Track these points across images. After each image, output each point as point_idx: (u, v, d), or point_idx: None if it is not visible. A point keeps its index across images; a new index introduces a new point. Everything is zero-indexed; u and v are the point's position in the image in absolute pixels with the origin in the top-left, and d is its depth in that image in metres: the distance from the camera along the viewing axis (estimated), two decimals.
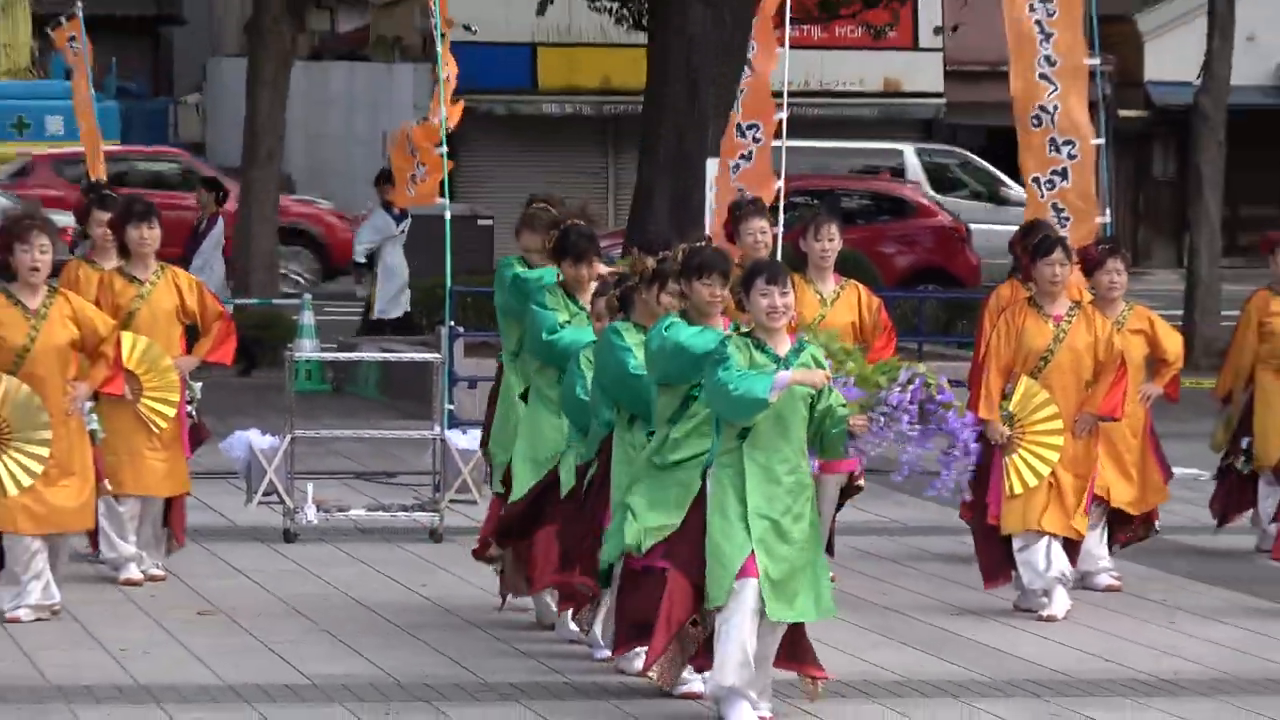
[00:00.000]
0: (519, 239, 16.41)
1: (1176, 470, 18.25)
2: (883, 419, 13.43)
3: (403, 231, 29.26)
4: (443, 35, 21.18)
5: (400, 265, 29.38)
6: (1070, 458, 15.83)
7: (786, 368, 12.33)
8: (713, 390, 12.40)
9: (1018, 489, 15.87)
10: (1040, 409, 15.71)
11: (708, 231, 20.26)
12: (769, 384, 12.06)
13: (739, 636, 12.37)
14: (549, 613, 15.08)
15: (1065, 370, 15.77)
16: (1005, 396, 15.75)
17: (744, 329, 12.71)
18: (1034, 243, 16.31)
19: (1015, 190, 41.02)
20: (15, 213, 16.64)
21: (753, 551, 12.41)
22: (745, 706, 12.38)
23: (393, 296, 29.42)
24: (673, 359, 12.92)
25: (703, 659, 12.98)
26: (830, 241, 16.87)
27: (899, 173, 43.16)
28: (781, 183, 19.72)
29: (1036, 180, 19.32)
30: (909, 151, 44.79)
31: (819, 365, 12.68)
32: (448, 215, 19.29)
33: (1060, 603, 15.73)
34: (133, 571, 16.05)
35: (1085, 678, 14.10)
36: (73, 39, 21.30)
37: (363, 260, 30.20)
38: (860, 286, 17.16)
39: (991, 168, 44.76)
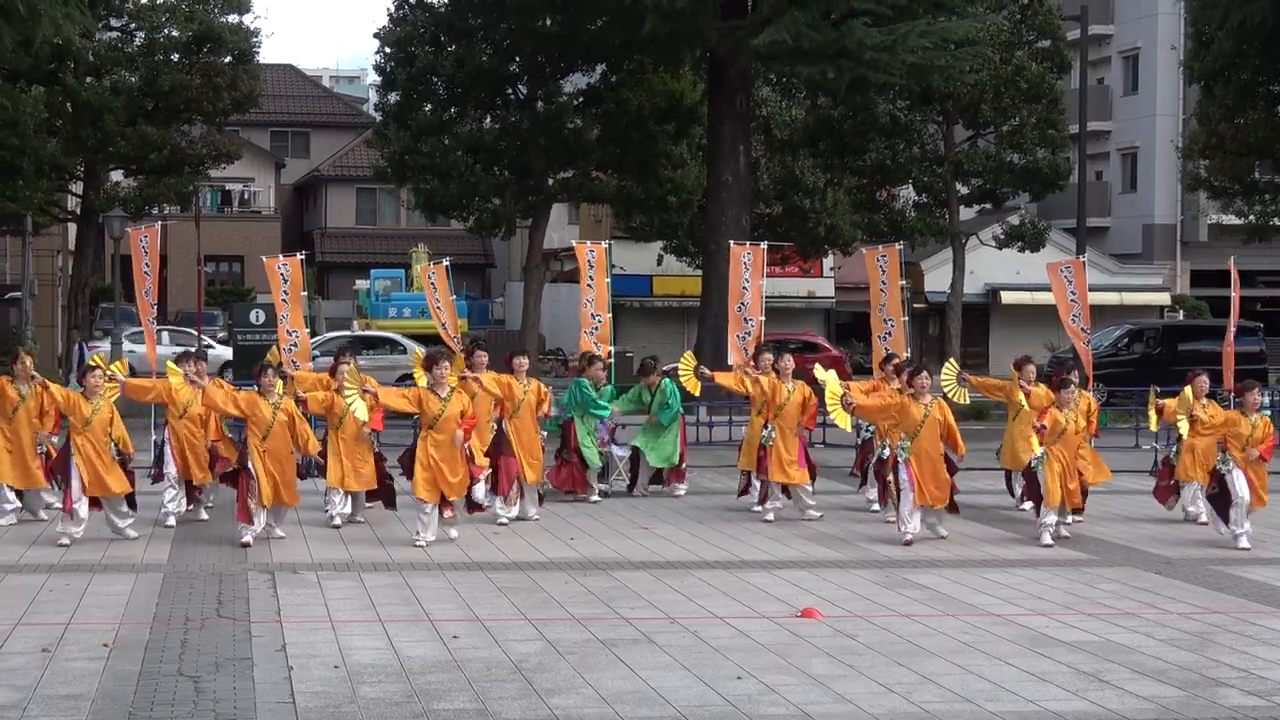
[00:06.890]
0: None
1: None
2: None
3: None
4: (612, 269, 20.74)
5: None
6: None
7: None
8: None
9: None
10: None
11: (730, 361, 19.32)
12: None
13: None
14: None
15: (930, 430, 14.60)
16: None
17: None
18: (911, 370, 15.40)
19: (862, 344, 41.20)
20: (433, 350, 16.12)
21: None
22: None
23: None
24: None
25: None
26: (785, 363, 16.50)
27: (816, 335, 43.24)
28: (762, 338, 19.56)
29: (881, 337, 19.59)
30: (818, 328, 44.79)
31: None
32: (613, 349, 19.05)
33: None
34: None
35: (909, 560, 13.78)
36: (432, 274, 19.63)
37: None
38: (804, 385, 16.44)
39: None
